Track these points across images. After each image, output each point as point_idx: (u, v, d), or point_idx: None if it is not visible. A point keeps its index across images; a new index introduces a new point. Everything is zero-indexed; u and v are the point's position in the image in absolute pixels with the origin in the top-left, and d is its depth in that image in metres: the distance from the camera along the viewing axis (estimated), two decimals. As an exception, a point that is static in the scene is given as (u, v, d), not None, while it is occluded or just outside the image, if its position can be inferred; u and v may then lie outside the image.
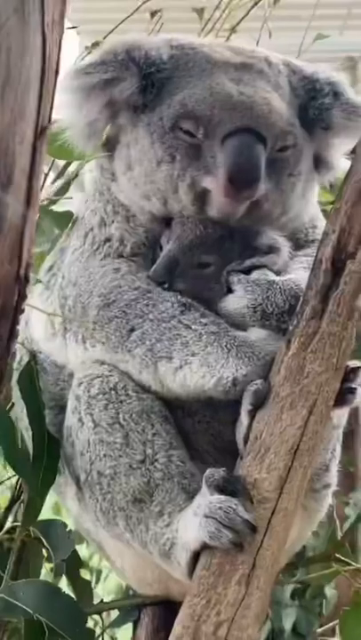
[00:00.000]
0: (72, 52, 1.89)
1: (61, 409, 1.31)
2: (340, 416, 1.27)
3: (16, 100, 0.86)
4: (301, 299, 1.17)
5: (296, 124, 1.27)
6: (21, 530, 1.37)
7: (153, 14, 2.04)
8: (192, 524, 1.13)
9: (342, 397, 1.15)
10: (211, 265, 1.24)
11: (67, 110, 1.25)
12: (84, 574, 1.55)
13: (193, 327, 1.18)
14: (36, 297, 1.32)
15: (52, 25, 0.88)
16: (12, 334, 0.96)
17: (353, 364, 1.17)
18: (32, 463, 1.20)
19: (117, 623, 1.49)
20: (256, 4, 2.07)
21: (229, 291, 1.23)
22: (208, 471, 1.14)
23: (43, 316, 1.27)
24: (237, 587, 1.10)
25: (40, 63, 0.88)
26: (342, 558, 1.43)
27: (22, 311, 0.99)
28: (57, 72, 0.93)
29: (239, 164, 1.18)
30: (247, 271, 1.23)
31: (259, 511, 1.11)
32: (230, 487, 1.11)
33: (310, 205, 1.35)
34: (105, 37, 1.82)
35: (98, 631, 1.52)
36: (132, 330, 1.21)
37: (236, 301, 1.21)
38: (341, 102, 1.30)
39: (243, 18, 2.03)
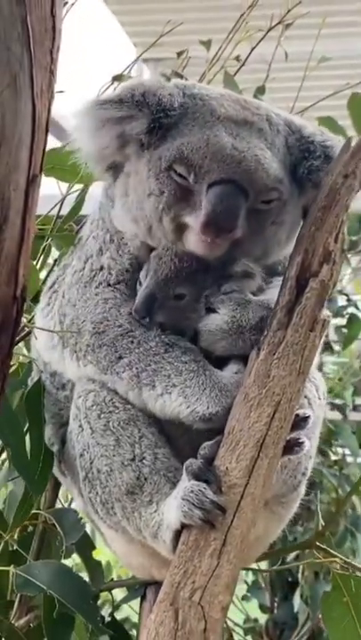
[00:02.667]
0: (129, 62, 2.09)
1: (61, 425, 1.52)
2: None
3: (10, 155, 1.06)
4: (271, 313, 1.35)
5: (285, 180, 1.38)
6: (40, 516, 1.58)
7: (179, 54, 2.25)
8: (173, 506, 1.31)
9: (290, 448, 1.32)
10: (186, 296, 1.38)
11: (81, 135, 1.39)
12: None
13: (175, 364, 1.35)
14: (38, 311, 1.52)
15: (40, 94, 1.08)
16: (12, 346, 1.16)
17: (303, 412, 1.33)
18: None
19: (127, 599, 1.68)
20: (266, 33, 2.24)
21: (210, 311, 1.38)
22: (188, 461, 1.32)
23: (44, 327, 1.46)
24: (210, 559, 1.27)
25: (30, 125, 1.08)
26: (323, 547, 1.54)
27: (20, 326, 1.19)
28: (46, 131, 1.12)
29: (217, 211, 1.30)
30: (226, 293, 1.38)
31: (229, 495, 1.28)
32: (204, 475, 1.29)
33: (291, 245, 1.44)
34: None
35: (108, 609, 1.71)
36: (121, 357, 1.38)
37: (219, 318, 1.36)
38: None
39: (253, 49, 2.20)
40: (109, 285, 1.44)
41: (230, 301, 1.37)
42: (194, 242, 1.36)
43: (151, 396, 1.37)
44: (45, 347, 1.49)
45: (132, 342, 1.38)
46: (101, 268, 1.45)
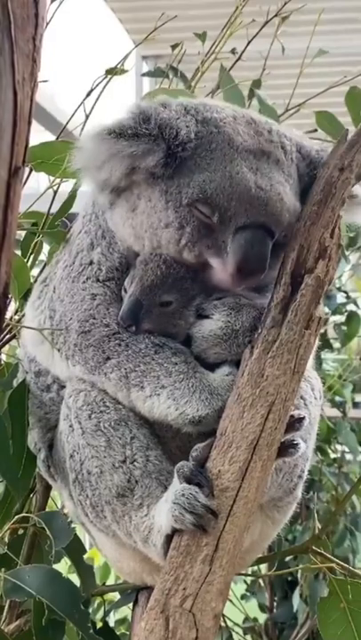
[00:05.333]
0: (130, 61, 2.05)
1: (48, 430, 1.48)
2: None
3: (-10, 146, 1.02)
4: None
5: (298, 210, 1.34)
6: (30, 520, 1.53)
7: (173, 47, 2.22)
8: (163, 511, 1.27)
9: (285, 450, 1.29)
10: (172, 303, 1.34)
11: (87, 164, 1.32)
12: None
13: (165, 365, 1.31)
14: (29, 304, 1.47)
15: (22, 82, 1.03)
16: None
17: (298, 413, 1.30)
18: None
19: (118, 604, 1.65)
20: (262, 27, 2.20)
21: (202, 317, 1.34)
22: (179, 464, 1.28)
23: (34, 320, 1.42)
24: (202, 565, 1.23)
25: (12, 114, 1.03)
26: (319, 551, 1.51)
27: (4, 325, 1.14)
28: (29, 122, 1.08)
29: (248, 258, 1.27)
30: (219, 298, 1.34)
31: (222, 499, 1.24)
32: (196, 478, 1.25)
33: None
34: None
35: (101, 613, 1.67)
36: (109, 358, 1.34)
37: (214, 323, 1.33)
38: None
39: (249, 43, 2.16)
40: (98, 281, 1.40)
41: (223, 306, 1.34)
42: (218, 281, 1.33)
43: (140, 397, 1.33)
44: (33, 341, 1.45)
45: (120, 345, 1.34)
46: (91, 263, 1.41)
